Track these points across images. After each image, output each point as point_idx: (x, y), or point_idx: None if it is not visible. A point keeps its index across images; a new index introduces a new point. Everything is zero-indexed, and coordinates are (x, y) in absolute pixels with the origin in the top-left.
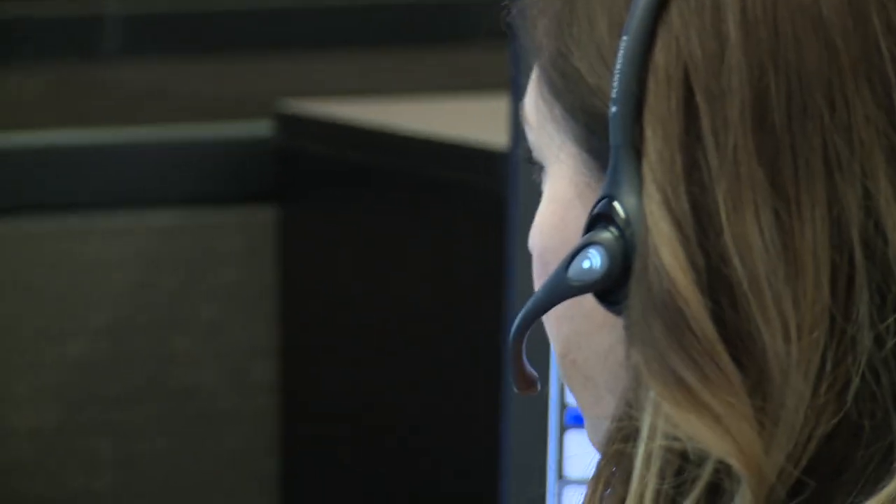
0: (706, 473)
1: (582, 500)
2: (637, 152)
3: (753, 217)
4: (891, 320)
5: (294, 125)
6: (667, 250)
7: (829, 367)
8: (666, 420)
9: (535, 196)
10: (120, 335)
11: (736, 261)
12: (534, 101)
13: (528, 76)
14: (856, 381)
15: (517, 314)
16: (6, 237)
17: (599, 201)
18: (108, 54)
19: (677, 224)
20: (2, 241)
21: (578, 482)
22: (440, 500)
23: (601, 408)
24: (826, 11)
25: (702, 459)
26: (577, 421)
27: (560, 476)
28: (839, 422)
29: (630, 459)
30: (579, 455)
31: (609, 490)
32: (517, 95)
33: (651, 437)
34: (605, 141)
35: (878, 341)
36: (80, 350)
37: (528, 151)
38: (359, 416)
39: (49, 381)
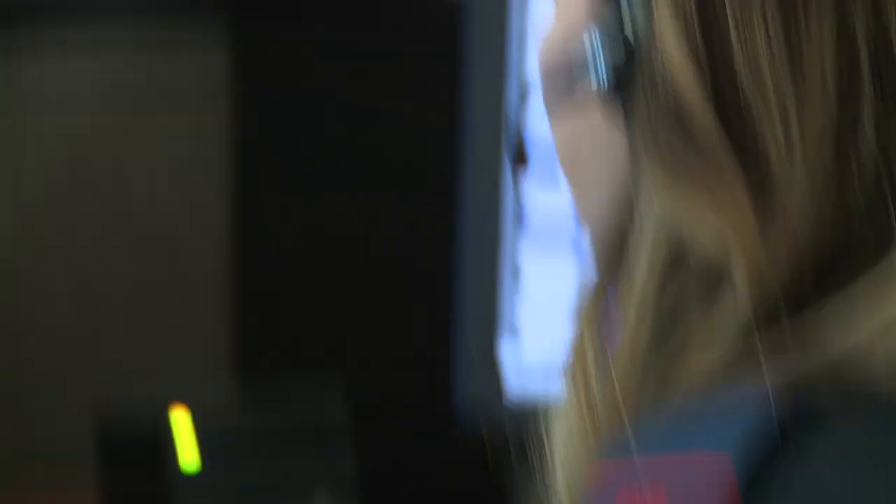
0: (702, 266)
1: (575, 297)
2: None
3: (761, 19)
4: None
5: None
6: (673, 47)
7: (831, 170)
8: (666, 212)
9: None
10: (77, 159)
11: (740, 60)
12: None
13: None
14: (857, 184)
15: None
16: None
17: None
18: None
19: (683, 23)
20: None
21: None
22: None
23: (596, 206)
24: None
25: (698, 252)
26: None
27: (511, 328)
28: (837, 221)
29: (626, 254)
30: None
31: (601, 284)
32: None
33: (649, 230)
34: None
35: (881, 147)
36: (36, 174)
37: None
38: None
39: (4, 218)
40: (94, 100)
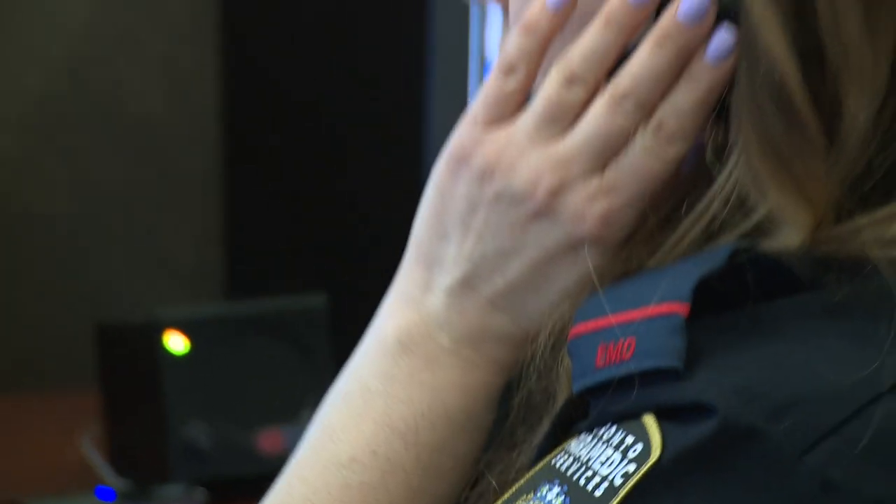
0: (757, 216)
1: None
2: None
3: None
4: None
5: None
6: (773, 35)
7: (887, 114)
8: (748, 170)
9: None
10: (76, 68)
11: (832, 41)
12: None
13: None
14: None
15: None
16: None
17: None
18: None
19: (782, 10)
20: None
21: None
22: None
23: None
24: None
25: (756, 207)
26: None
27: (482, 58)
28: (886, 154)
29: (702, 193)
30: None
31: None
32: None
33: (723, 184)
34: None
35: None
36: (39, 83)
37: None
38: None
39: (11, 112)
40: (89, 4)
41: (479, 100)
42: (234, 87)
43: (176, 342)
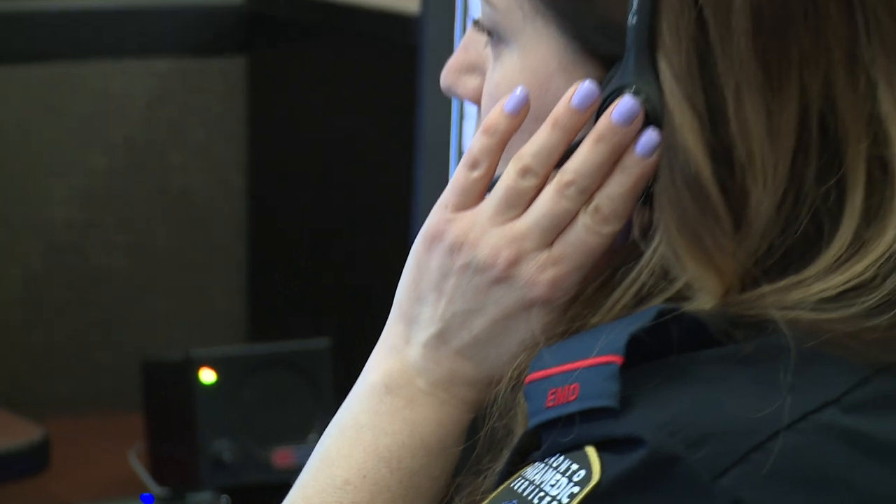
0: (678, 284)
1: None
2: (653, 53)
3: (752, 108)
4: (832, 181)
5: None
6: (690, 137)
7: (787, 203)
8: (669, 247)
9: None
10: (132, 150)
11: (739, 143)
12: None
13: None
14: (799, 212)
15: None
16: (52, 76)
17: (615, 88)
18: None
19: (698, 116)
20: (49, 80)
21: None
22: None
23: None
24: None
25: (677, 276)
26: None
27: (459, 153)
28: (780, 237)
29: (633, 264)
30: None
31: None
32: None
33: (650, 257)
34: (596, 30)
35: (822, 191)
36: (102, 161)
37: (488, 21)
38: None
39: (79, 184)
40: (144, 99)
41: (449, 188)
42: (258, 169)
43: (207, 376)
